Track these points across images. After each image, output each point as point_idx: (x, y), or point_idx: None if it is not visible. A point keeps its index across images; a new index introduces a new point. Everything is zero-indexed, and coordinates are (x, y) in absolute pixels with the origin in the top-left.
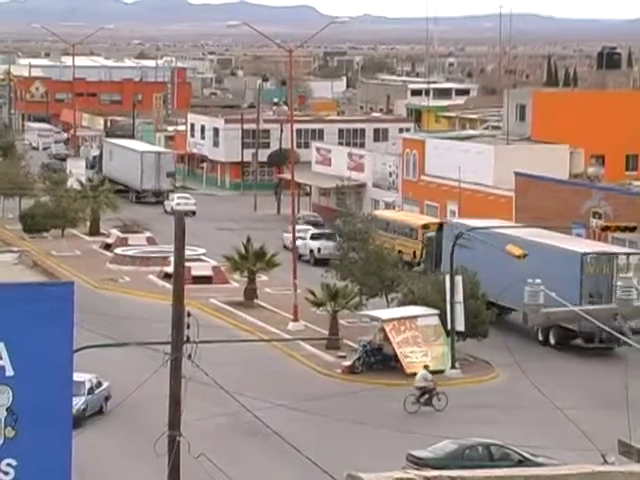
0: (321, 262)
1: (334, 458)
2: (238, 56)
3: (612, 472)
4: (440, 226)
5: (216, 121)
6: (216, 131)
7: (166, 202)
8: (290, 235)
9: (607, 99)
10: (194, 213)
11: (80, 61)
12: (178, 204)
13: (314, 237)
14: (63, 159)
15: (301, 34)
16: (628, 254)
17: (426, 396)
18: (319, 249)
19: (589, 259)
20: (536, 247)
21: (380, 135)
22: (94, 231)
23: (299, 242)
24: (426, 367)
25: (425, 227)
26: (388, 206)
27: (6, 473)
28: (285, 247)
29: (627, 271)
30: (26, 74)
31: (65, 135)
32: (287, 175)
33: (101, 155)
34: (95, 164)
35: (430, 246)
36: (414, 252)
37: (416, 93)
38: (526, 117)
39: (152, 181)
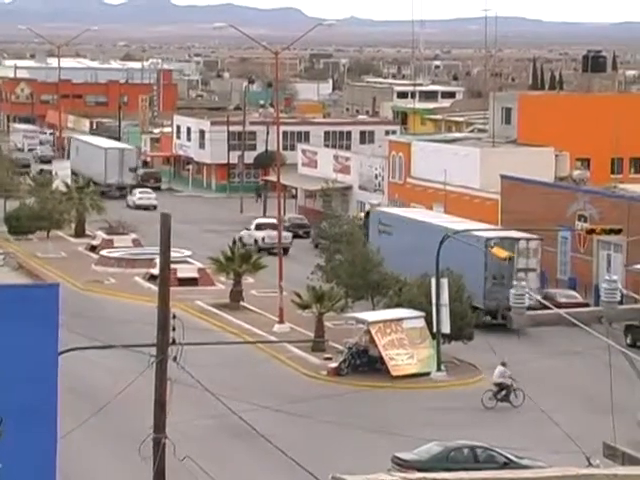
0: (264, 251)
1: (319, 460)
2: (224, 58)
3: (596, 475)
4: (367, 213)
5: (202, 123)
6: (202, 133)
7: (129, 197)
8: (246, 232)
9: (592, 102)
10: (155, 207)
11: (66, 63)
12: (140, 199)
13: (259, 227)
14: (48, 161)
15: (287, 36)
16: (528, 239)
17: (503, 392)
18: (263, 238)
19: (492, 244)
20: (443, 233)
21: (366, 137)
22: (79, 233)
23: (244, 232)
24: (503, 364)
25: None
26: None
27: None
28: (240, 241)
29: (527, 255)
30: (11, 75)
31: (51, 137)
32: (273, 177)
33: (69, 152)
34: None
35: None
36: None
37: (402, 95)
38: (512, 120)
39: (116, 176)
